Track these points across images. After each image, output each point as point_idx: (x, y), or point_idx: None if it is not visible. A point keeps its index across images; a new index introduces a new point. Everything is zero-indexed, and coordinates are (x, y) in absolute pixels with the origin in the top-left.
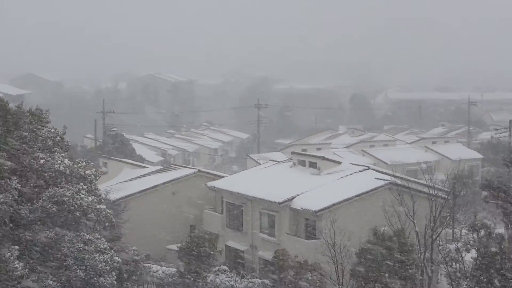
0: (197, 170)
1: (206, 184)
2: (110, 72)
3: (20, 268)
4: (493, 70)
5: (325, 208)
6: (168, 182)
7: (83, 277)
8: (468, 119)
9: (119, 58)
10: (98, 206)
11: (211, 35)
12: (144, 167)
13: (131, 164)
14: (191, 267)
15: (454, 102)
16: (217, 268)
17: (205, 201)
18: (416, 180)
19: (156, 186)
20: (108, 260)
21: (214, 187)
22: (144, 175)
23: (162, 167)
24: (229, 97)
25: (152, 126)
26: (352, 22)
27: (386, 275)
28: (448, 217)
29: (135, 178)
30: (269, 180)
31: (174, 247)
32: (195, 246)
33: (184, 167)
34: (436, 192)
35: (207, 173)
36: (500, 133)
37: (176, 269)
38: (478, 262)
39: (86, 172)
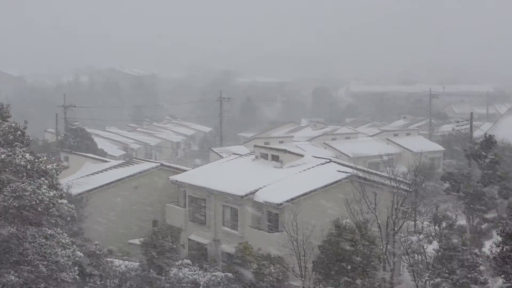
0: (159, 164)
1: (168, 178)
2: (72, 66)
3: None
4: (455, 63)
5: (287, 201)
6: (130, 176)
7: (45, 272)
8: (430, 111)
9: (81, 52)
10: (59, 201)
11: (174, 29)
12: (105, 161)
13: (93, 158)
14: (154, 261)
15: (416, 94)
16: (180, 262)
17: (168, 195)
18: (378, 173)
19: (118, 180)
20: (70, 255)
21: (177, 181)
22: (106, 169)
23: (124, 161)
24: (192, 91)
25: (114, 120)
26: (314, 16)
27: (349, 267)
28: (410, 209)
29: (97, 173)
30: (231, 173)
31: (137, 241)
32: (158, 240)
33: (146, 161)
34: (397, 184)
35: (170, 167)
36: (461, 125)
37: (139, 263)
38: (439, 253)
39: (48, 166)
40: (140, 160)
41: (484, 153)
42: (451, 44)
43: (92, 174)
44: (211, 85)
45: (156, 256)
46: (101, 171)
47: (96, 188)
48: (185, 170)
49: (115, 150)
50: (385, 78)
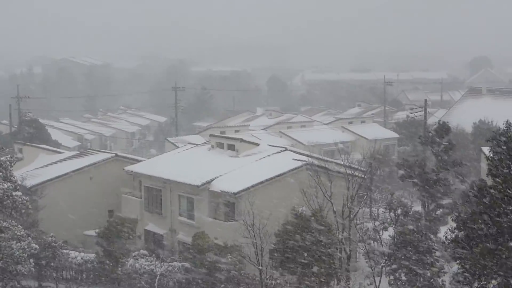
0: (114, 154)
1: (124, 169)
2: (25, 56)
3: None
4: (408, 51)
5: (243, 190)
6: (85, 167)
7: (0, 265)
8: (384, 99)
9: (34, 42)
10: (13, 193)
11: (125, 18)
12: (60, 152)
13: (47, 149)
14: (110, 252)
15: (370, 82)
16: (136, 252)
17: (124, 185)
18: (333, 160)
19: (73, 171)
20: (26, 247)
21: (132, 171)
22: (60, 161)
23: (78, 152)
24: (146, 80)
25: (68, 111)
26: (268, 4)
27: (305, 254)
28: (365, 196)
29: (51, 164)
30: (187, 163)
31: (93, 232)
32: (114, 231)
33: (101, 151)
34: (353, 172)
35: (125, 157)
36: (416, 112)
37: (94, 254)
38: (395, 240)
39: (1, 158)
40: (95, 151)
41: (438, 140)
42: (405, 32)
43: (46, 165)
44: (166, 74)
45: (112, 247)
46: (55, 163)
47: (50, 180)
48: (141, 161)
49: (70, 141)
50: (339, 66)
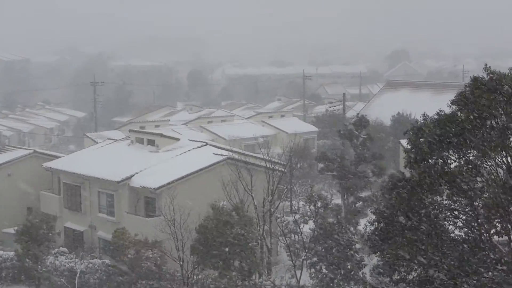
0: (32, 150)
1: (42, 165)
2: None
3: None
4: (327, 44)
5: (164, 185)
6: (2, 164)
7: None
8: (303, 93)
9: None
10: None
11: (43, 12)
12: None
13: None
14: (29, 250)
15: (290, 76)
16: (56, 250)
17: (42, 182)
18: (254, 155)
19: None
20: None
21: (51, 167)
22: None
23: None
24: (65, 75)
25: None
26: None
27: (226, 249)
28: (286, 190)
29: None
30: (107, 159)
31: (11, 230)
32: (33, 229)
33: (19, 148)
34: (273, 166)
35: (43, 153)
36: (335, 106)
37: (14, 252)
38: (316, 233)
39: None
40: (12, 147)
41: (357, 133)
42: (324, 25)
43: None
44: (84, 69)
45: (31, 244)
46: None
47: None
48: (59, 157)
49: None
50: (259, 60)
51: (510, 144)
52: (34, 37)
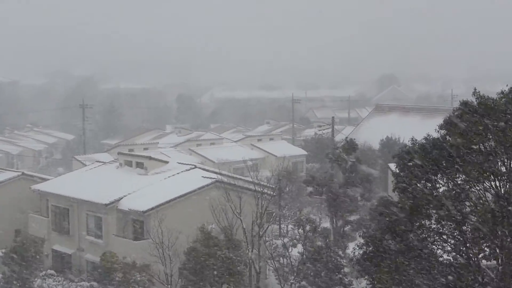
0: (21, 173)
1: (30, 187)
2: None
3: None
4: (316, 68)
5: (152, 208)
6: None
7: None
8: (292, 116)
9: None
10: None
11: (32, 34)
12: None
13: None
14: (17, 272)
15: (279, 100)
16: (44, 272)
17: (31, 204)
18: (242, 178)
19: None
20: None
21: (39, 190)
22: None
23: None
24: (54, 98)
25: None
26: (173, 20)
27: (215, 273)
28: (274, 213)
29: None
30: (95, 181)
31: None
32: (21, 251)
33: (8, 170)
34: (262, 189)
35: (32, 176)
36: (323, 129)
37: (1, 275)
38: (304, 256)
39: None
40: (1, 169)
41: (345, 157)
42: (312, 50)
43: None
44: (73, 91)
45: (19, 267)
46: None
47: None
48: (48, 179)
49: None
50: (248, 83)
51: (499, 169)
52: (23, 60)
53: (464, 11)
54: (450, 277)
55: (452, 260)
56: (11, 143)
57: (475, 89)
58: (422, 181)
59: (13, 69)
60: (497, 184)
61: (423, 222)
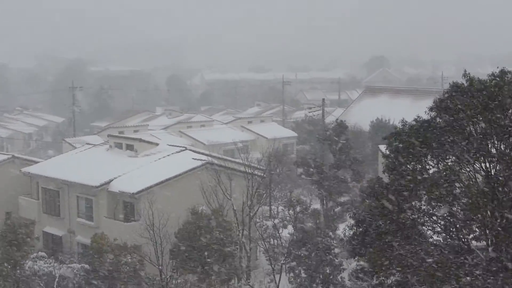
0: (11, 156)
1: (21, 170)
2: None
3: None
4: (306, 50)
5: (143, 190)
6: None
7: None
8: (283, 98)
9: None
10: None
11: (22, 16)
12: None
13: None
14: (7, 254)
15: (269, 82)
16: (34, 254)
17: (21, 187)
18: (233, 160)
19: None
20: None
21: (29, 172)
22: None
23: None
24: (44, 81)
25: None
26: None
27: (206, 254)
28: (265, 195)
29: None
30: (85, 164)
31: None
32: (11, 234)
33: None
34: (252, 171)
35: (22, 158)
36: (314, 111)
37: None
38: (295, 237)
39: None
40: None
41: (336, 138)
42: (302, 31)
43: None
44: (63, 74)
45: (10, 249)
46: None
47: None
48: (38, 162)
49: None
50: (238, 66)
51: (489, 150)
52: (12, 43)
53: None
54: (440, 258)
55: (442, 241)
56: (1, 126)
57: (465, 71)
58: (412, 163)
59: (2, 52)
60: (488, 165)
61: (413, 203)
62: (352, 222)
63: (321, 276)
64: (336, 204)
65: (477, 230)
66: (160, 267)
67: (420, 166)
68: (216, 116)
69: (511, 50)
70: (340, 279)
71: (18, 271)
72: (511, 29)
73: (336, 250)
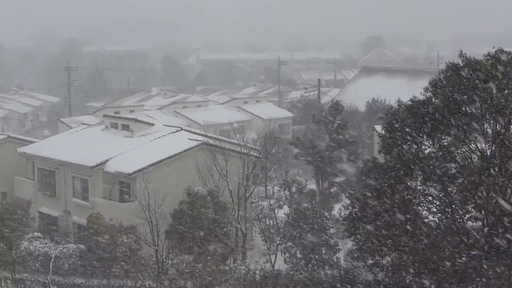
0: (6, 136)
1: (16, 150)
2: None
3: None
4: (302, 30)
5: (138, 171)
6: None
7: None
8: (278, 78)
9: None
10: None
11: None
12: None
13: None
14: (3, 235)
15: (265, 62)
16: (30, 235)
17: (17, 167)
18: (229, 140)
19: None
20: None
21: (25, 152)
22: None
23: None
24: (39, 61)
25: None
26: None
27: (201, 234)
28: (260, 175)
29: None
30: (81, 144)
31: None
32: (7, 214)
33: None
34: (248, 151)
35: (18, 138)
36: (310, 91)
37: None
38: (290, 218)
39: None
40: None
41: (332, 118)
42: (299, 11)
43: None
44: (58, 54)
45: (5, 229)
46: None
47: None
48: (34, 142)
49: None
50: (233, 45)
51: (485, 131)
52: (8, 23)
53: None
54: (435, 238)
55: (437, 221)
56: None
57: (461, 51)
58: (408, 143)
59: None
60: (483, 146)
61: (408, 183)
62: (348, 202)
63: (316, 256)
64: (331, 184)
65: (473, 210)
66: (155, 247)
67: (415, 146)
68: (211, 96)
69: (507, 30)
70: (335, 259)
71: (14, 251)
72: (507, 9)
73: (332, 230)
